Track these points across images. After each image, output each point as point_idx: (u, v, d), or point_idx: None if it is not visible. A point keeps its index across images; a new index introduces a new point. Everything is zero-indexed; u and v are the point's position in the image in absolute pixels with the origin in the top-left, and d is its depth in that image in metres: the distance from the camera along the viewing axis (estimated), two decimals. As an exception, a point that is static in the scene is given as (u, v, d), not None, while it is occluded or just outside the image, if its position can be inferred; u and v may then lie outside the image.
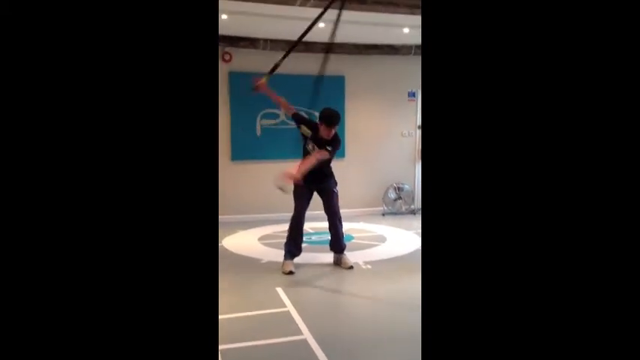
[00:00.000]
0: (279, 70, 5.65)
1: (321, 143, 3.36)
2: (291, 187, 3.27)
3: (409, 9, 2.95)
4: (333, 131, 3.32)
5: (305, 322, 2.43)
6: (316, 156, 3.29)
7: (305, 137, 3.43)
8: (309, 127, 3.42)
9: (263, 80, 3.37)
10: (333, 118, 3.30)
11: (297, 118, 3.55)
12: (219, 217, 5.44)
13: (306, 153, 3.42)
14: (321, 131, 3.32)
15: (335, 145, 3.37)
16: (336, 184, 3.55)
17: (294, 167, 3.25)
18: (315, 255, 3.84)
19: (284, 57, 3.28)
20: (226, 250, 4.17)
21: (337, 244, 3.56)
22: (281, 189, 3.15)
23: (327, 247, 3.68)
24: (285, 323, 2.44)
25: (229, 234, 4.78)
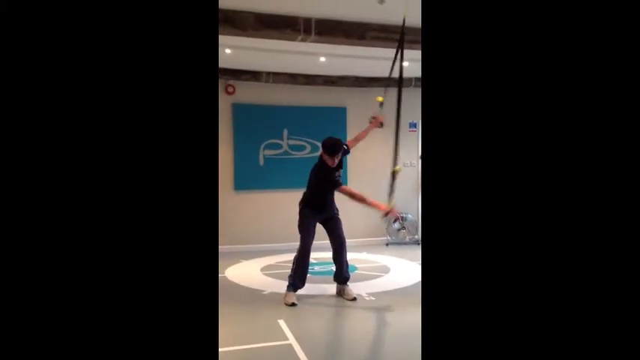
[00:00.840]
0: (282, 103, 5.77)
1: (336, 169, 3.37)
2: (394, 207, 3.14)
3: (407, 43, 3.05)
4: (337, 160, 3.34)
5: (307, 356, 2.38)
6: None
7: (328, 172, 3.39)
8: (332, 174, 3.36)
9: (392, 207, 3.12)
10: (335, 147, 3.32)
11: (339, 180, 3.42)
12: (222, 246, 5.38)
13: (328, 181, 3.34)
14: (326, 161, 3.33)
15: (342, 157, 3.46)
16: (337, 210, 3.55)
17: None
18: (318, 286, 3.79)
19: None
20: (228, 280, 4.13)
21: (342, 274, 3.52)
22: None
23: (331, 277, 3.64)
24: (287, 357, 2.39)
25: (232, 264, 4.75)
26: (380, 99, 3.41)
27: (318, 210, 3.44)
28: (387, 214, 3.13)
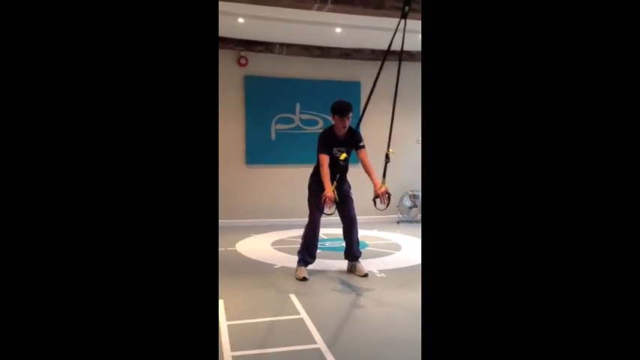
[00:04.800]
0: (296, 75, 5.65)
1: (341, 143, 3.30)
2: (333, 209, 3.17)
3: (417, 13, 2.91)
4: (347, 122, 3.26)
5: (319, 331, 2.37)
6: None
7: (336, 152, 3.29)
8: (328, 141, 3.28)
9: (331, 192, 3.03)
10: (342, 106, 3.24)
11: (324, 151, 3.24)
12: (233, 220, 5.39)
13: (331, 159, 3.28)
14: (336, 125, 3.27)
15: (359, 139, 3.32)
16: (350, 187, 3.48)
17: (376, 183, 3.07)
18: (329, 262, 3.79)
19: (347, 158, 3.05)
20: (239, 254, 4.15)
21: (352, 252, 3.49)
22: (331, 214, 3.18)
23: (342, 253, 3.62)
24: (298, 331, 2.39)
25: (243, 238, 4.77)
26: (391, 152, 3.00)
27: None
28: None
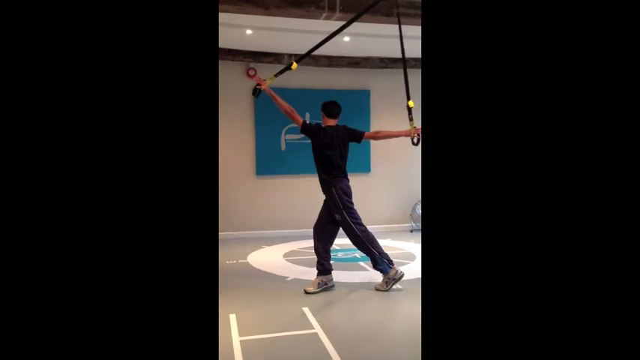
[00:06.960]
0: (304, 85, 5.63)
1: (332, 139, 3.31)
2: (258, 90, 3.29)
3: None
4: (324, 121, 3.38)
5: (334, 346, 2.30)
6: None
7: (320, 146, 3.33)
8: (317, 133, 3.35)
9: (267, 81, 3.22)
10: (331, 105, 3.39)
11: (308, 129, 3.41)
12: (244, 232, 5.34)
13: (323, 159, 3.29)
14: (323, 123, 3.39)
15: (354, 129, 3.41)
16: (338, 205, 3.21)
17: (400, 132, 3.35)
18: (343, 273, 3.71)
19: (300, 59, 3.23)
20: (251, 266, 4.10)
21: (375, 265, 3.31)
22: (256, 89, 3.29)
23: (356, 264, 3.54)
24: (312, 347, 2.32)
25: (254, 250, 4.72)
26: (411, 104, 3.00)
27: (322, 190, 3.35)
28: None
